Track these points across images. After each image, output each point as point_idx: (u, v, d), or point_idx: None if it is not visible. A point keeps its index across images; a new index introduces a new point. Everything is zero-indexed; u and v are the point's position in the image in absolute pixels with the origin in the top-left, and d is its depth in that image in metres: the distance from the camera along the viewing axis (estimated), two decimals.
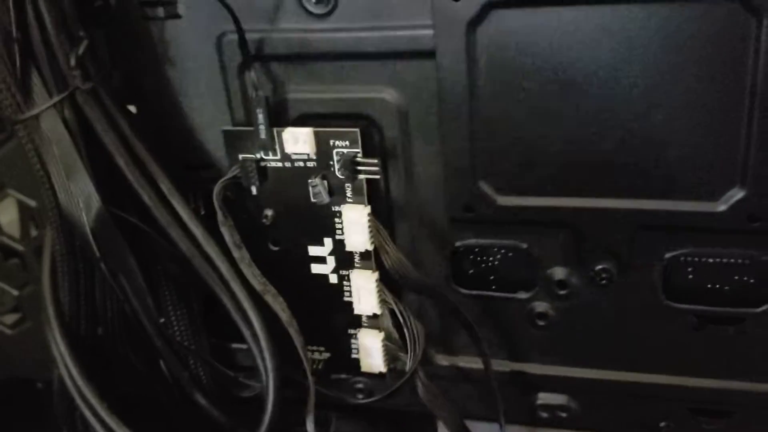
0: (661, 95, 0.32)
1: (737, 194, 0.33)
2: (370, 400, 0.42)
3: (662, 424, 0.41)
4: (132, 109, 0.40)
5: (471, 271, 0.40)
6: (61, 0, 0.34)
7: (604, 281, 0.36)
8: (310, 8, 0.35)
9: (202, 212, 0.41)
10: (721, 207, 0.34)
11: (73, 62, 0.34)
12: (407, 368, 0.39)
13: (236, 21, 0.35)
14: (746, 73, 0.31)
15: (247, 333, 0.38)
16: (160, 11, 0.37)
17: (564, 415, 0.41)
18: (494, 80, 0.34)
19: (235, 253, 0.38)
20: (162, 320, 0.41)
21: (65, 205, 0.36)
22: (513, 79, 0.34)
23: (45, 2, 0.33)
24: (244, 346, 0.44)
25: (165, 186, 0.37)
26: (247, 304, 0.38)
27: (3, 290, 0.48)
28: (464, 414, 0.42)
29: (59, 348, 0.41)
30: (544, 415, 0.42)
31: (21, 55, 0.34)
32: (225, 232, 0.38)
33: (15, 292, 0.48)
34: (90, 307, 0.41)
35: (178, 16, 0.37)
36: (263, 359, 0.38)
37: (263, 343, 0.38)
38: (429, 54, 0.34)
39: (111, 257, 0.37)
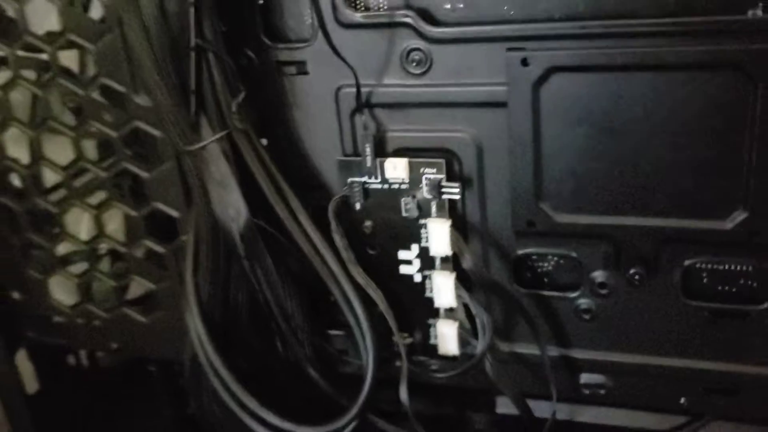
0: (680, 139, 0.42)
1: (741, 215, 0.43)
2: (446, 374, 0.51)
3: (682, 400, 0.50)
4: (264, 141, 0.51)
5: (529, 275, 0.50)
6: (227, 61, 0.45)
7: (636, 282, 0.46)
8: (410, 69, 0.46)
9: None
10: (728, 225, 0.43)
11: (234, 108, 0.45)
12: (478, 351, 0.49)
13: (356, 77, 0.46)
14: (746, 124, 0.41)
15: (351, 318, 0.48)
16: (293, 69, 0.48)
17: (602, 392, 0.51)
18: (553, 125, 0.44)
19: (344, 255, 0.49)
20: None
21: (219, 215, 0.47)
22: (568, 124, 0.44)
23: (216, 63, 0.44)
24: (340, 332, 0.55)
25: (294, 203, 0.48)
26: (352, 295, 0.48)
27: (144, 284, 0.59)
28: (522, 392, 0.52)
29: (198, 330, 0.52)
30: (586, 392, 0.51)
31: (196, 104, 0.45)
32: (336, 238, 0.49)
33: (154, 287, 0.58)
34: (224, 295, 0.52)
35: (306, 73, 0.48)
36: (365, 340, 0.48)
37: (364, 326, 0.48)
38: (502, 104, 0.45)
39: (252, 257, 0.48)
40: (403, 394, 0.48)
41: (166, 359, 0.64)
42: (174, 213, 0.55)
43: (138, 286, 0.60)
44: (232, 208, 0.47)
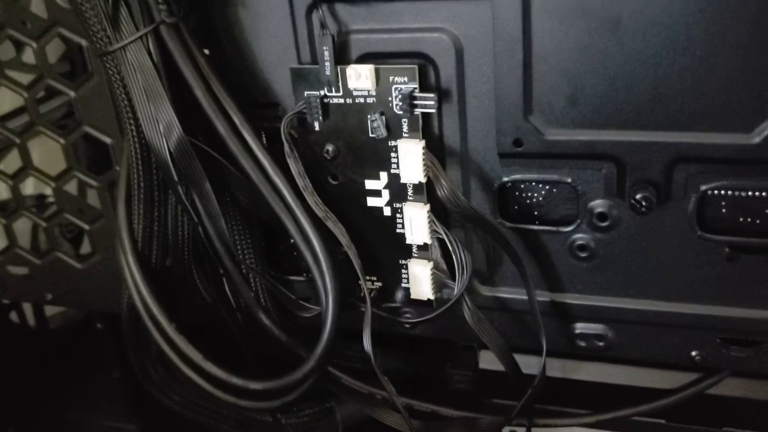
0: (699, 32, 0.35)
1: None
2: (417, 320, 0.45)
3: (693, 353, 0.43)
4: (205, 51, 0.43)
5: (516, 207, 0.43)
6: None
7: (644, 209, 0.39)
8: None
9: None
10: (756, 139, 0.36)
11: None
12: (455, 293, 0.42)
13: None
14: None
15: (309, 256, 0.41)
16: None
17: (601, 344, 0.44)
18: (546, 20, 0.37)
19: (300, 183, 0.41)
20: None
21: (147, 132, 0.40)
22: (563, 18, 0.36)
23: None
24: (301, 278, 0.48)
25: (237, 118, 0.40)
26: (309, 229, 0.41)
27: (73, 225, 0.52)
28: (508, 344, 0.45)
29: (131, 271, 0.44)
30: (582, 344, 0.44)
31: None
32: (291, 163, 0.41)
33: (87, 227, 0.51)
34: (162, 234, 0.44)
35: None
36: (324, 280, 0.41)
37: (324, 264, 0.41)
38: None
39: (188, 181, 0.41)
40: (367, 342, 0.41)
41: (106, 311, 0.57)
42: (106, 139, 0.47)
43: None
44: (162, 123, 0.39)
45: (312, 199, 0.42)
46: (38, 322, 0.71)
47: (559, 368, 0.48)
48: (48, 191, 0.52)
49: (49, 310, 0.71)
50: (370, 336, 0.41)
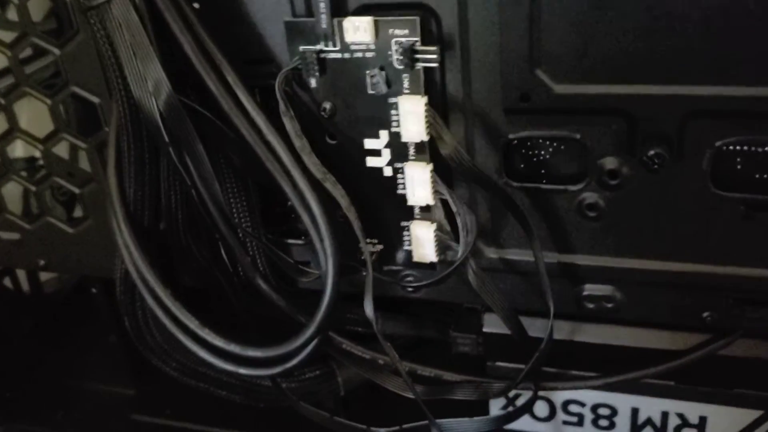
0: None
1: None
2: (420, 284, 0.43)
3: (705, 314, 0.42)
4: (195, 6, 0.41)
5: (522, 165, 0.41)
6: None
7: (656, 166, 0.37)
8: None
9: None
10: None
11: None
12: (458, 256, 0.41)
13: None
14: None
15: (307, 219, 0.39)
16: None
17: (609, 305, 0.43)
18: None
19: (296, 143, 0.40)
20: None
21: (135, 91, 0.38)
22: None
23: None
24: (299, 242, 0.46)
25: (230, 76, 0.39)
26: (307, 191, 0.39)
27: (65, 188, 0.50)
28: (514, 307, 0.44)
29: (123, 236, 0.43)
30: (590, 306, 0.43)
31: None
32: (286, 122, 0.40)
33: (77, 190, 0.49)
34: (154, 197, 0.43)
35: None
36: (323, 243, 0.39)
37: (322, 227, 0.39)
38: None
39: (179, 142, 0.39)
40: (368, 308, 0.40)
41: (99, 276, 0.56)
42: (94, 99, 0.46)
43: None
44: (151, 81, 0.37)
45: (309, 160, 0.40)
46: (32, 288, 0.70)
47: (566, 330, 0.46)
48: (38, 154, 0.51)
49: (44, 275, 0.70)
50: (371, 301, 0.39)
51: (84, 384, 0.65)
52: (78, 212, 0.53)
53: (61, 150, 0.49)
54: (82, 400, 0.64)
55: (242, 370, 0.43)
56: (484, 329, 0.48)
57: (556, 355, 0.45)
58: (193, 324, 0.43)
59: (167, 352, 0.49)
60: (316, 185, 0.40)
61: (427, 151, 0.40)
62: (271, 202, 0.46)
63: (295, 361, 0.42)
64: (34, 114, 0.51)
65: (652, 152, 0.37)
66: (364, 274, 0.41)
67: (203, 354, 0.43)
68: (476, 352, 0.50)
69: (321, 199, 0.39)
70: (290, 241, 0.47)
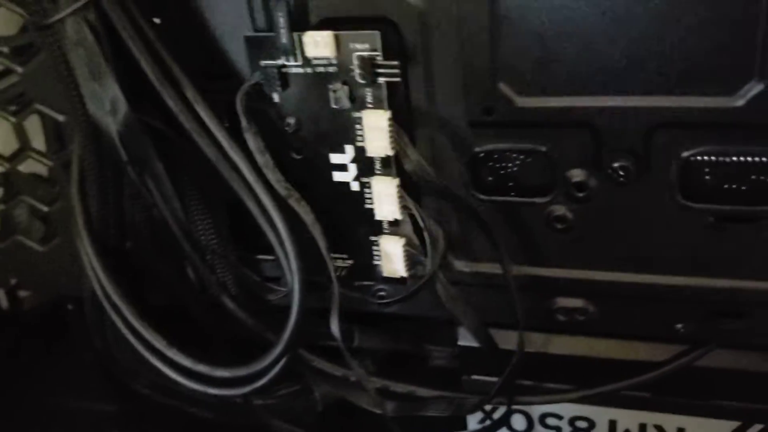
0: None
1: (755, 87, 0.33)
2: (390, 300, 0.43)
3: (678, 326, 0.41)
4: (156, 21, 0.40)
5: (490, 178, 0.41)
6: None
7: (621, 179, 0.36)
8: None
9: (226, 125, 0.42)
10: (739, 102, 0.34)
11: None
12: (427, 271, 0.40)
13: None
14: None
15: (272, 236, 0.39)
16: None
17: (582, 318, 0.42)
18: None
19: (259, 159, 0.39)
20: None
21: (93, 111, 0.37)
22: None
23: None
24: (269, 257, 0.46)
25: (190, 92, 0.38)
26: (271, 208, 0.39)
27: (33, 207, 0.49)
28: (484, 320, 0.43)
29: (89, 256, 0.42)
30: (562, 318, 0.42)
31: None
32: (249, 138, 0.39)
33: (45, 209, 0.49)
34: (118, 216, 0.42)
35: None
36: (288, 260, 0.39)
37: (288, 245, 0.38)
38: None
39: (138, 161, 0.38)
40: (334, 326, 0.39)
41: (72, 294, 0.55)
42: (59, 117, 0.45)
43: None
44: (108, 100, 0.37)
45: (273, 176, 0.39)
46: (11, 305, 0.69)
47: (541, 343, 0.46)
48: None
49: (22, 291, 0.69)
50: (337, 319, 0.39)
51: (62, 401, 0.64)
52: None
53: (29, 167, 0.49)
54: (60, 418, 0.63)
55: (211, 390, 0.42)
56: (459, 342, 0.48)
57: (531, 368, 0.45)
58: (160, 344, 0.42)
59: (137, 370, 0.48)
60: (281, 201, 0.39)
61: (393, 165, 0.40)
62: (241, 217, 0.46)
63: (264, 381, 0.41)
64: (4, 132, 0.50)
65: (617, 164, 0.36)
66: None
67: (171, 374, 0.42)
68: (452, 365, 0.49)
69: (286, 215, 0.39)
70: (261, 256, 0.46)
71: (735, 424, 0.46)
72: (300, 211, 0.39)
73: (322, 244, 0.39)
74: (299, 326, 0.39)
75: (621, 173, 0.36)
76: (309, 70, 0.38)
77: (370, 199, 0.41)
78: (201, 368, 0.42)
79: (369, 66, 0.37)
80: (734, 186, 0.37)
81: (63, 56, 0.37)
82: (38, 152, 0.47)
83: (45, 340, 0.67)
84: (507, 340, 0.44)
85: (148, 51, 0.37)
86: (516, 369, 0.42)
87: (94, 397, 0.63)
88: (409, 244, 0.42)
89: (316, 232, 0.39)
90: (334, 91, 0.38)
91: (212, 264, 0.43)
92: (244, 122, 0.39)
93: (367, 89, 0.38)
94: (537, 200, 0.40)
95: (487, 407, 0.49)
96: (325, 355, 0.47)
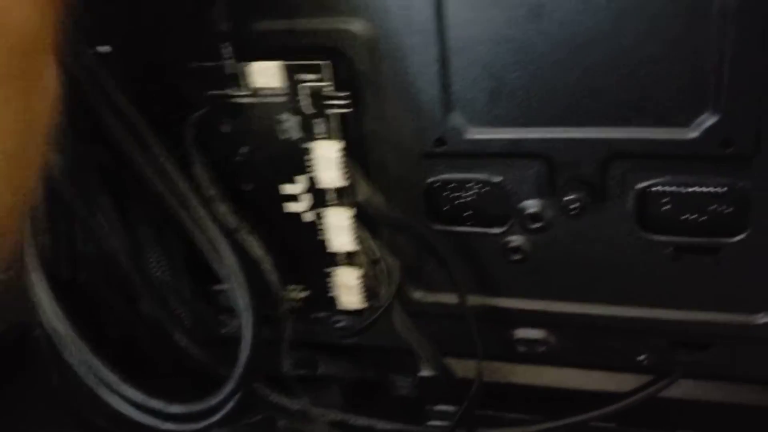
0: (629, 18, 0.31)
1: (709, 120, 0.32)
2: (347, 333, 0.42)
3: (641, 357, 0.40)
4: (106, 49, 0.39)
5: (445, 208, 0.40)
6: None
7: (575, 211, 0.35)
8: None
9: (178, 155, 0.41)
10: (693, 134, 0.33)
11: None
12: (383, 302, 0.39)
13: None
14: None
15: (222, 271, 0.38)
16: None
17: (542, 349, 0.41)
18: (461, 9, 0.33)
19: (207, 192, 0.38)
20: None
21: None
22: (480, 7, 0.33)
23: None
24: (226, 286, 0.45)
25: (137, 122, 0.37)
26: (221, 242, 0.38)
27: None
28: (443, 351, 0.42)
29: (40, 290, 0.41)
30: (523, 349, 0.42)
31: None
32: (196, 170, 0.38)
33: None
34: (71, 248, 0.41)
35: None
36: (238, 296, 0.38)
37: (238, 279, 0.38)
38: None
39: (86, 195, 0.37)
40: (285, 362, 0.38)
41: (30, 323, 0.54)
42: None
43: None
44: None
45: (222, 209, 0.38)
46: None
47: (500, 372, 0.45)
48: None
49: None
50: (288, 355, 0.38)
51: (30, 429, 0.63)
52: None
53: None
54: None
55: (164, 426, 0.41)
56: (421, 373, 0.47)
57: (495, 398, 0.44)
58: (112, 379, 0.41)
59: (93, 403, 0.47)
60: (232, 234, 0.38)
61: (347, 196, 0.39)
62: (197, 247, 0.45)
63: (218, 416, 0.40)
64: None
65: (571, 196, 0.35)
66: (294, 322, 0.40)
67: (125, 409, 0.41)
68: (415, 395, 0.48)
69: (237, 248, 0.38)
70: (217, 287, 0.45)
71: None
72: (248, 246, 0.38)
73: (272, 278, 0.38)
74: (252, 362, 0.38)
75: (575, 206, 0.35)
76: (257, 100, 0.38)
77: (323, 230, 0.40)
78: (155, 404, 0.41)
79: (317, 97, 0.36)
80: (693, 217, 0.36)
81: None
82: None
83: (4, 370, 0.65)
84: (465, 369, 0.43)
85: (94, 81, 0.36)
86: (475, 399, 0.41)
87: (63, 423, 0.62)
88: (365, 275, 0.41)
89: (267, 265, 0.38)
90: (283, 122, 0.37)
91: (165, 297, 0.42)
92: (191, 154, 0.38)
93: (316, 120, 0.37)
94: (492, 231, 0.39)
95: None
96: (284, 388, 0.46)
